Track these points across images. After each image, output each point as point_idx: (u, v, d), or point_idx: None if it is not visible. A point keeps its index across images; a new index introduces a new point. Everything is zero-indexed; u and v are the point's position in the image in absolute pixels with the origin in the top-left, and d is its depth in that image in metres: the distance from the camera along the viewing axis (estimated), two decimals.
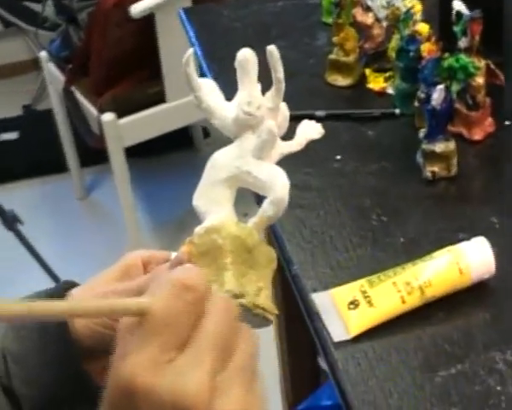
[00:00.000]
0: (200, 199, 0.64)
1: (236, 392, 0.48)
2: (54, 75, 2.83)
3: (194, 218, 0.65)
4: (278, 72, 0.62)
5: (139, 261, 0.70)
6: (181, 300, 0.48)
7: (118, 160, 2.59)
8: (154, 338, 0.47)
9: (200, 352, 0.48)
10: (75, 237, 2.93)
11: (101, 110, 2.52)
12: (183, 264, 0.57)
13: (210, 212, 0.63)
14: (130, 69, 2.48)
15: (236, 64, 0.63)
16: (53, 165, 3.26)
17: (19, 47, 3.78)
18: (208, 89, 0.64)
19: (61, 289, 0.68)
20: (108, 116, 2.50)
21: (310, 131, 0.70)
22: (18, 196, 3.11)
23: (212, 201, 0.64)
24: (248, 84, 0.63)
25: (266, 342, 1.83)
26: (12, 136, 3.42)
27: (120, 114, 2.51)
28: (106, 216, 3.06)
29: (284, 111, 0.65)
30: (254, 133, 0.62)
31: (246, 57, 0.63)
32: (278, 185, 0.62)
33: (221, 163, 0.63)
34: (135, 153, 2.65)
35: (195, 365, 0.47)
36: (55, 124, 3.01)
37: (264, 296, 0.60)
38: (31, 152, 3.35)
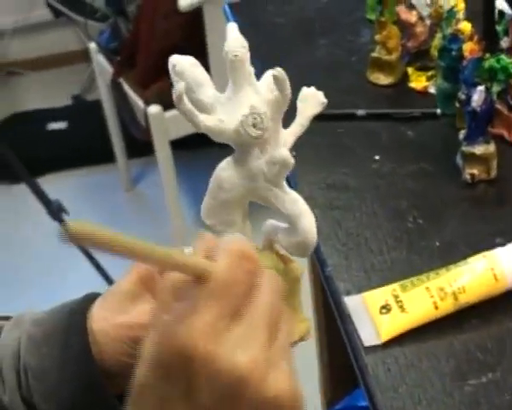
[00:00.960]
0: (211, 218, 0.63)
1: (285, 368, 0.49)
2: (102, 66, 2.85)
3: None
4: (287, 93, 0.59)
5: (155, 271, 0.68)
6: (241, 268, 0.49)
7: (163, 152, 2.60)
8: (213, 303, 0.47)
9: (255, 325, 0.48)
10: (120, 229, 2.93)
11: (148, 102, 2.54)
12: None
13: (224, 232, 0.62)
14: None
15: (227, 63, 0.60)
16: (100, 155, 3.29)
17: (69, 37, 3.82)
18: (194, 84, 0.61)
19: (84, 307, 0.68)
20: (154, 108, 2.51)
21: (311, 105, 0.64)
22: (65, 185, 3.15)
23: (225, 221, 0.62)
24: (243, 84, 0.60)
25: (305, 341, 1.82)
26: (61, 125, 3.46)
27: (166, 107, 2.52)
28: (151, 208, 3.07)
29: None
30: (262, 152, 0.60)
31: (239, 57, 0.60)
32: (305, 228, 0.60)
33: (229, 184, 0.61)
34: (181, 146, 2.66)
35: (251, 337, 0.48)
36: (103, 115, 3.04)
37: (298, 325, 0.60)
38: (78, 142, 3.38)
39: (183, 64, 0.61)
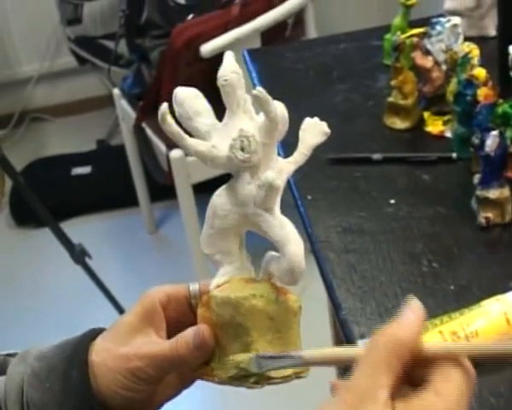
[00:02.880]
0: (209, 247, 0.63)
1: None
2: (126, 112, 2.89)
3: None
4: (270, 113, 0.58)
5: (158, 305, 0.69)
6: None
7: (185, 196, 2.62)
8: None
9: None
10: (144, 271, 2.96)
11: (170, 147, 2.56)
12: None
13: (223, 262, 0.63)
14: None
15: (221, 88, 0.60)
16: (124, 199, 3.32)
17: (93, 83, 3.87)
18: (191, 113, 0.61)
19: (86, 341, 0.68)
20: (177, 153, 2.54)
21: (314, 135, 0.64)
22: (89, 229, 3.18)
23: (222, 251, 0.63)
24: (237, 111, 0.60)
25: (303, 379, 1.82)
26: (85, 170, 3.50)
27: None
28: (174, 250, 3.09)
29: (283, 115, 0.62)
30: (252, 177, 0.60)
31: (229, 81, 0.60)
32: (292, 254, 0.59)
33: (223, 211, 0.62)
34: (202, 189, 2.68)
35: None
36: (126, 159, 3.07)
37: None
38: (102, 186, 3.41)
39: (183, 94, 0.62)
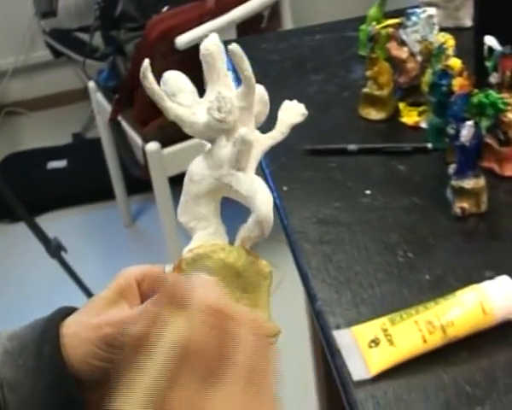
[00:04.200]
0: (184, 215, 0.64)
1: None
2: (101, 105, 2.87)
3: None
4: (244, 70, 0.60)
5: (133, 282, 0.69)
6: (209, 326, 0.49)
7: (161, 189, 2.61)
8: (186, 375, 0.48)
9: (232, 383, 0.48)
10: (121, 265, 2.91)
11: (146, 140, 2.55)
12: None
13: (197, 228, 0.63)
14: None
15: (201, 58, 0.62)
16: (100, 193, 3.30)
17: (69, 76, 3.85)
18: (175, 89, 0.63)
19: (58, 318, 0.68)
20: (152, 146, 2.52)
21: (292, 115, 0.66)
22: (65, 223, 3.16)
23: (197, 216, 0.63)
24: (217, 81, 0.62)
25: (305, 376, 1.82)
26: (61, 164, 3.48)
27: (165, 144, 2.53)
28: (151, 243, 3.08)
29: (263, 96, 0.64)
30: (228, 140, 0.61)
31: (210, 51, 0.62)
32: (259, 204, 0.60)
33: (199, 176, 0.62)
34: (179, 182, 2.67)
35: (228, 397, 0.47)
36: (102, 153, 3.05)
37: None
38: (78, 180, 3.40)
39: (169, 74, 0.64)
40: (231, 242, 0.64)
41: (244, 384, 0.48)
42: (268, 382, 0.50)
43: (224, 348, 0.49)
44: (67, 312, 0.69)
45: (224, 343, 0.49)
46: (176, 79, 0.63)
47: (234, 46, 0.58)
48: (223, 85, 0.62)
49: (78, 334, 0.66)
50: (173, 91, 0.63)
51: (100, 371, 0.65)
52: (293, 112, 0.66)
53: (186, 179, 0.63)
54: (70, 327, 0.67)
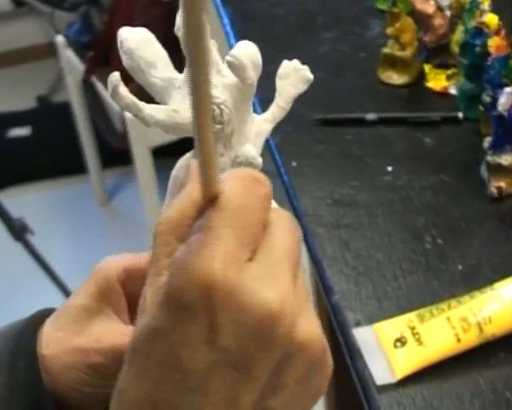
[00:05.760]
0: None
1: (312, 313, 0.49)
2: (72, 63, 2.87)
3: None
4: (247, 79, 0.56)
5: (114, 282, 0.66)
6: (253, 193, 0.48)
7: (143, 162, 2.61)
8: (230, 231, 0.47)
9: (277, 260, 0.48)
10: (94, 249, 2.95)
11: None
12: None
13: None
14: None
15: (180, 39, 0.57)
16: (70, 166, 3.30)
17: (32, 29, 3.83)
18: (144, 64, 0.58)
19: (33, 327, 0.66)
20: None
21: (293, 83, 0.61)
22: (29, 201, 3.16)
23: None
24: None
25: None
26: (24, 132, 3.47)
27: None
28: (129, 224, 3.08)
29: (255, 58, 0.57)
30: (226, 147, 0.58)
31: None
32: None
33: None
34: (161, 153, 2.68)
35: (276, 272, 0.47)
36: (72, 119, 3.05)
37: None
38: (44, 150, 3.39)
39: (133, 41, 0.59)
40: None
41: (286, 264, 0.48)
42: (302, 279, 0.50)
43: (265, 219, 0.49)
44: (43, 318, 0.67)
45: (266, 213, 0.49)
46: (144, 48, 0.58)
47: (233, 56, 0.55)
48: (212, 72, 0.56)
49: (60, 357, 0.64)
50: (141, 68, 0.58)
51: (89, 396, 0.64)
52: (294, 79, 0.61)
53: (172, 186, 0.61)
54: (49, 346, 0.65)
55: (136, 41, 0.58)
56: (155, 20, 2.51)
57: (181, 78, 0.59)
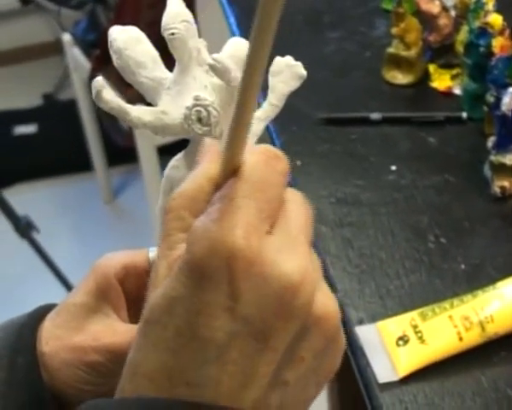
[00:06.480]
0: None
1: (327, 288, 0.49)
2: (78, 61, 2.87)
3: None
4: (231, 82, 0.55)
5: (113, 280, 0.66)
6: (273, 168, 0.49)
7: (148, 160, 2.62)
8: (249, 202, 0.47)
9: (295, 234, 0.48)
10: (99, 246, 2.94)
11: (131, 102, 2.55)
12: None
13: None
14: (164, 57, 2.51)
15: (168, 42, 0.57)
16: (76, 163, 3.30)
17: (38, 27, 3.83)
18: (133, 65, 0.58)
19: (34, 323, 0.67)
20: None
21: (286, 80, 0.59)
22: (35, 198, 3.16)
23: None
24: (190, 67, 0.57)
25: None
26: (30, 129, 3.47)
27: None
28: (134, 222, 3.08)
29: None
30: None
31: (179, 35, 0.57)
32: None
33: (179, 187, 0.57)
34: (167, 151, 2.68)
35: (295, 245, 0.47)
36: (78, 116, 3.05)
37: None
38: (50, 148, 3.40)
39: (121, 41, 0.59)
40: None
41: (304, 238, 0.48)
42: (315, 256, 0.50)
43: (283, 193, 0.49)
44: (44, 313, 0.67)
45: (283, 187, 0.49)
46: (134, 48, 0.59)
47: (215, 60, 0.54)
48: (201, 72, 0.57)
49: (58, 354, 0.65)
50: (131, 68, 0.59)
51: (91, 394, 0.64)
52: (287, 75, 0.59)
53: (166, 186, 0.60)
54: (49, 343, 0.66)
55: (126, 41, 0.59)
56: (162, 17, 2.52)
57: (170, 78, 0.58)
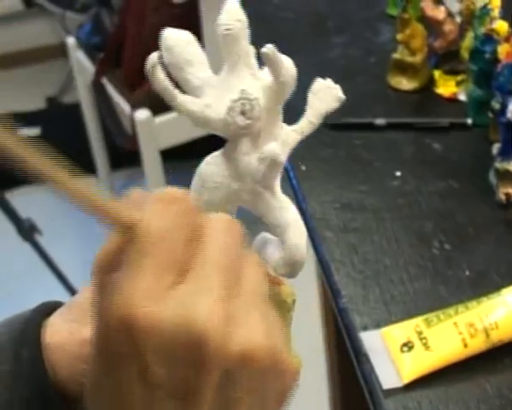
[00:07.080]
0: None
1: (255, 319, 0.47)
2: (82, 64, 2.88)
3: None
4: (280, 76, 0.56)
5: None
6: (170, 212, 0.47)
7: (152, 163, 2.62)
8: (147, 261, 0.46)
9: (206, 277, 0.47)
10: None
11: (135, 106, 2.56)
12: None
13: None
14: None
15: (221, 38, 0.58)
16: (79, 167, 3.27)
17: (42, 30, 3.84)
18: (182, 61, 0.59)
19: (39, 317, 0.67)
20: (142, 114, 2.53)
21: (325, 100, 0.62)
22: (38, 201, 3.16)
23: None
24: (237, 66, 0.58)
25: (317, 383, 1.84)
26: (33, 132, 3.48)
27: (156, 112, 2.54)
28: None
29: (290, 70, 0.58)
30: (254, 145, 0.58)
31: (231, 30, 0.58)
32: (291, 242, 0.58)
33: (214, 183, 0.60)
34: (171, 156, 2.69)
35: (202, 291, 0.46)
36: (82, 120, 3.06)
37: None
38: (54, 151, 3.40)
39: (174, 39, 0.59)
40: None
41: (217, 276, 0.47)
42: (249, 284, 0.49)
43: (189, 235, 0.48)
44: (50, 309, 0.68)
45: (186, 229, 0.48)
46: (184, 47, 0.60)
47: (269, 49, 0.55)
48: (245, 72, 0.59)
49: (62, 346, 0.65)
50: (180, 65, 0.59)
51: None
52: (326, 96, 0.62)
53: (197, 183, 0.60)
54: (53, 336, 0.66)
55: (177, 39, 0.59)
56: (166, 21, 2.51)
57: (217, 78, 0.59)
